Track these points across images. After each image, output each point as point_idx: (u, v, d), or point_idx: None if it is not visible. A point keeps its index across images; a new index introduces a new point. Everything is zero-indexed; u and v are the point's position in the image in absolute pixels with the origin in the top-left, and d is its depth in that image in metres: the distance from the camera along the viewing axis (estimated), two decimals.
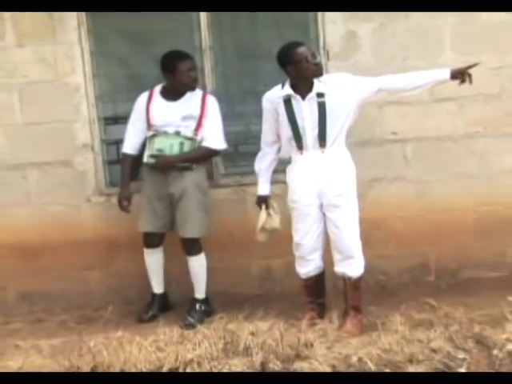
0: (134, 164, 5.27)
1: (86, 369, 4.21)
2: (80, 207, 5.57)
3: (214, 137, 5.17)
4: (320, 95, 4.73)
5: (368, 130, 5.25)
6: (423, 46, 5.58)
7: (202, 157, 5.20)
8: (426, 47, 5.58)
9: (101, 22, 5.46)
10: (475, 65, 4.77)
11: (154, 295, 5.38)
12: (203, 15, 5.48)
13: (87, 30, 5.45)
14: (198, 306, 5.25)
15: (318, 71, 4.76)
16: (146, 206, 5.22)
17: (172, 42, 5.43)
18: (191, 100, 5.15)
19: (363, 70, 5.09)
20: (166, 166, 5.08)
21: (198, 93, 5.19)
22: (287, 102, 4.77)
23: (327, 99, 4.72)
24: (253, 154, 5.19)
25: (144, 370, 4.15)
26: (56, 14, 5.34)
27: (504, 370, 4.08)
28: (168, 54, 5.13)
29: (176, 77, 5.10)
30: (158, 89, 5.20)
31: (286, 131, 4.82)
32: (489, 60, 5.37)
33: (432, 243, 5.73)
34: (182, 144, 5.07)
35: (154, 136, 5.09)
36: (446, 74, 4.77)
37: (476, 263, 5.78)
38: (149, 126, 5.13)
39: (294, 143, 4.82)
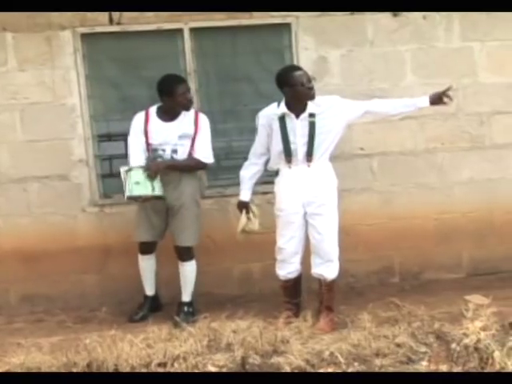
0: None
1: (82, 364, 4.17)
2: (76, 217, 5.52)
3: (204, 150, 5.06)
4: (312, 115, 4.72)
5: (338, 145, 5.25)
6: (387, 70, 5.63)
7: (193, 166, 5.09)
8: (390, 71, 5.63)
9: (95, 49, 5.44)
10: (449, 88, 4.84)
11: (145, 297, 5.33)
12: (187, 42, 5.47)
13: (82, 55, 5.41)
14: (186, 309, 5.18)
15: (312, 94, 4.73)
16: (142, 218, 5.13)
17: (159, 67, 5.40)
18: (186, 119, 5.04)
19: (332, 91, 5.09)
20: (158, 170, 4.93)
21: (191, 112, 5.08)
22: (282, 119, 4.75)
23: (317, 119, 4.72)
24: (234, 168, 5.19)
25: (135, 365, 4.13)
26: (54, 42, 5.33)
27: (461, 361, 4.10)
28: (165, 79, 5.01)
29: (174, 99, 4.98)
30: (153, 110, 5.07)
31: (278, 146, 4.78)
32: (445, 83, 5.28)
33: (396, 248, 5.75)
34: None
35: (129, 171, 4.93)
36: (425, 101, 4.86)
37: (436, 266, 5.83)
38: (147, 145, 5.03)
39: (283, 157, 4.79)
